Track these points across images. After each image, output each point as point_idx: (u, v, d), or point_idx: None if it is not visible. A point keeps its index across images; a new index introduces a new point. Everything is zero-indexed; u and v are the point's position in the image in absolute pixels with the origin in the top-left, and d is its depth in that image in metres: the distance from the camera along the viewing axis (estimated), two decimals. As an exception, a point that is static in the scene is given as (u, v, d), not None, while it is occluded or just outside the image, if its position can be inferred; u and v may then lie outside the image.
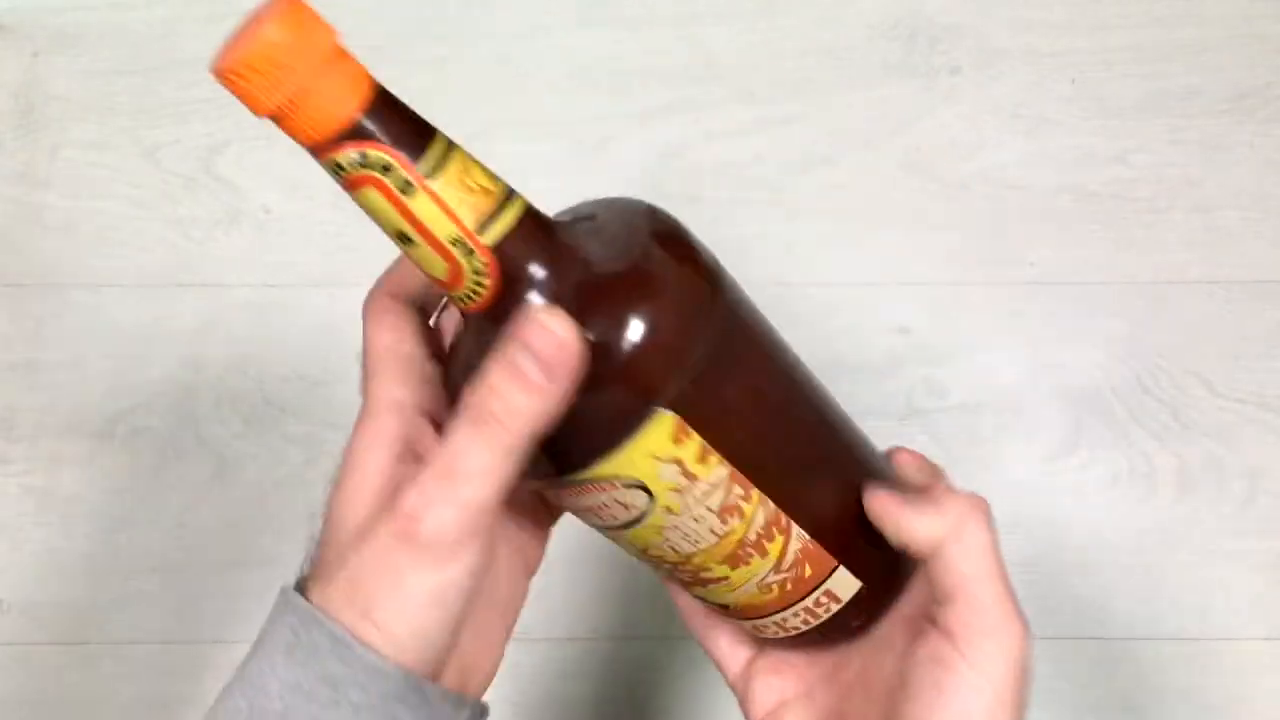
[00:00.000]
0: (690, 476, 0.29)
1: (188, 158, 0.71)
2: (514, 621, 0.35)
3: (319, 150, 0.26)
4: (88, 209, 0.70)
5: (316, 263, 0.68)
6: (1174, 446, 0.64)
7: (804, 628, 0.34)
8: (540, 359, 0.27)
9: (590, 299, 0.27)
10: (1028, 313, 0.67)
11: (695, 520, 0.30)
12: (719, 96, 0.72)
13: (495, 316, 0.28)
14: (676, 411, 0.28)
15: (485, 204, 0.27)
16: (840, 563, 0.32)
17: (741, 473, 0.29)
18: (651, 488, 0.29)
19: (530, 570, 0.36)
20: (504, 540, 0.35)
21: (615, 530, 0.31)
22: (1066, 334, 0.66)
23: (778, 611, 0.33)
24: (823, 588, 0.32)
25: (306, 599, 0.30)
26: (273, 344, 0.67)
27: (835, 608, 0.33)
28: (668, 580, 0.35)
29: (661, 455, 0.28)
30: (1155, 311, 0.67)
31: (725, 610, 0.35)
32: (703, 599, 0.35)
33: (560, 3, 0.74)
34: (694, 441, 0.28)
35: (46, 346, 0.67)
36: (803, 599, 0.33)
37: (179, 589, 0.63)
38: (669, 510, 0.30)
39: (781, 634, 0.34)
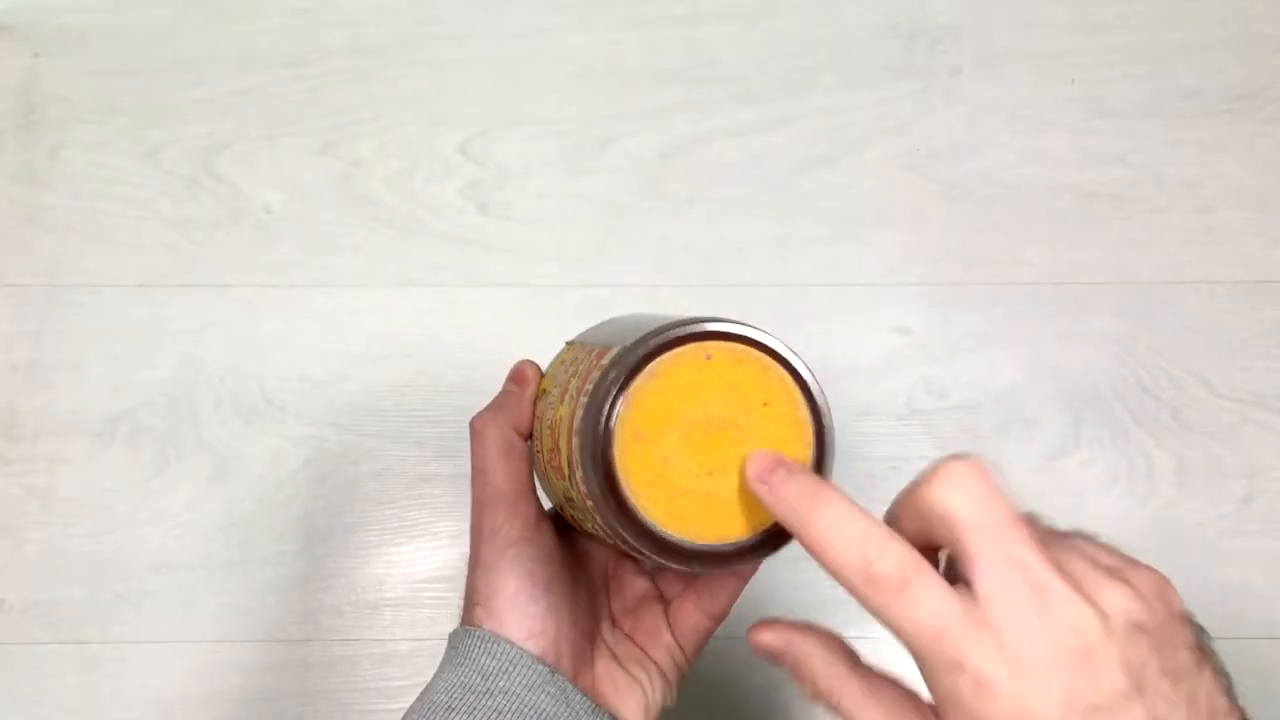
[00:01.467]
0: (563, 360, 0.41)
1: (188, 158, 0.71)
2: (655, 682, 0.41)
3: None
4: (88, 209, 0.70)
5: (316, 263, 0.68)
6: (1174, 446, 0.64)
7: (579, 411, 0.36)
8: (516, 380, 0.41)
9: None
10: (1028, 313, 0.67)
11: (559, 385, 0.39)
12: (719, 96, 0.72)
13: None
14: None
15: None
16: (615, 344, 0.38)
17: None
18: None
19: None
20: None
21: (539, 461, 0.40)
22: (1066, 334, 0.66)
23: (576, 412, 0.37)
24: (598, 366, 0.37)
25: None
26: (273, 344, 0.67)
27: (597, 375, 0.37)
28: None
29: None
30: (1155, 311, 0.67)
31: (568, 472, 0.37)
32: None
33: (560, 3, 0.74)
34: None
35: (46, 346, 0.67)
36: (585, 384, 0.37)
37: (179, 589, 0.63)
38: (545, 392, 0.40)
39: (576, 437, 0.36)
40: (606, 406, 0.35)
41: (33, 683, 0.61)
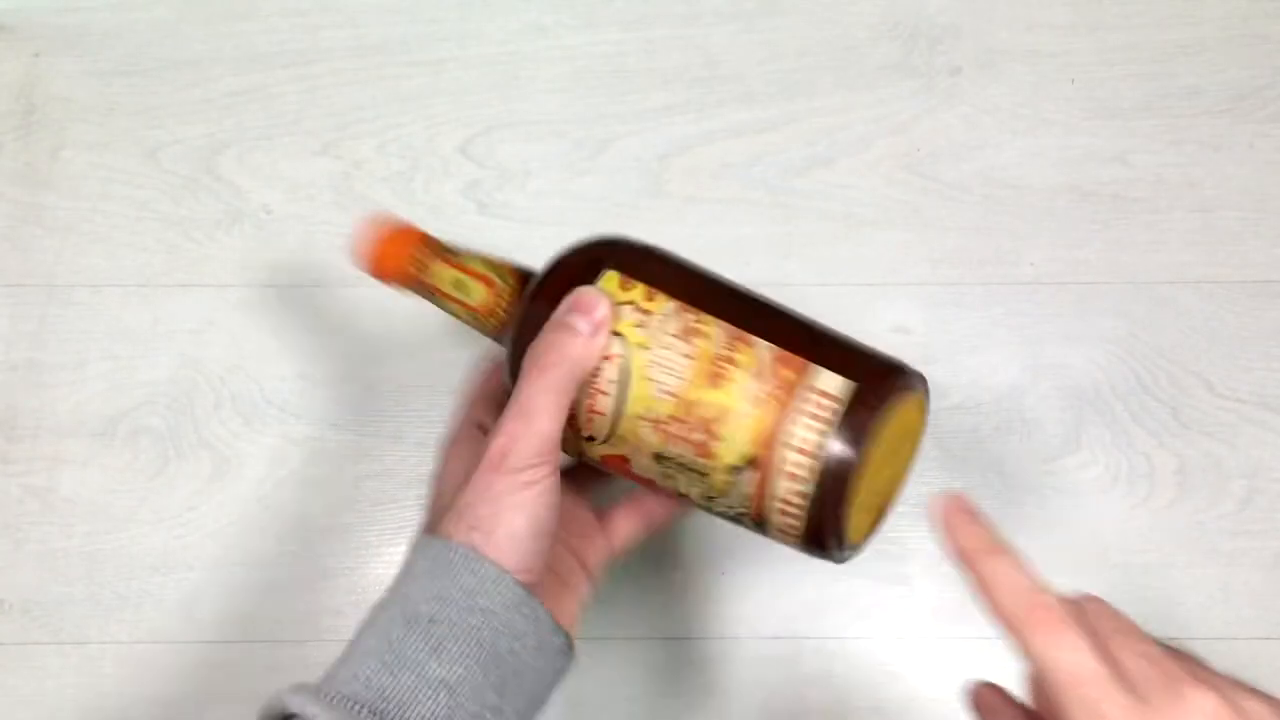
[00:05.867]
0: (644, 311, 0.41)
1: (188, 158, 0.71)
2: (585, 580, 0.46)
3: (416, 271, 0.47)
4: (88, 209, 0.70)
5: (316, 263, 0.68)
6: (1174, 446, 0.64)
7: (820, 439, 0.38)
8: (590, 319, 0.40)
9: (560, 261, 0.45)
10: (1028, 313, 0.67)
11: (666, 348, 0.40)
12: (719, 96, 0.72)
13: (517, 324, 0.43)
14: (617, 270, 0.42)
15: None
16: (813, 360, 0.40)
17: (686, 303, 0.41)
18: (619, 329, 0.41)
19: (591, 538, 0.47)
20: (570, 503, 0.46)
21: (622, 408, 0.41)
22: (1066, 334, 0.66)
23: (788, 427, 0.39)
24: (811, 386, 0.39)
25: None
26: (273, 344, 0.67)
27: (838, 407, 0.39)
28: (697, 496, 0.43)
29: (618, 299, 0.41)
30: (1155, 311, 0.67)
31: (752, 466, 0.39)
32: (730, 481, 0.40)
33: (560, 3, 0.74)
34: (638, 287, 0.42)
35: (47, 346, 0.67)
36: (799, 402, 0.39)
37: (179, 589, 0.63)
38: (642, 346, 0.40)
39: (809, 460, 0.38)
40: (863, 439, 0.39)
41: (33, 683, 0.61)
